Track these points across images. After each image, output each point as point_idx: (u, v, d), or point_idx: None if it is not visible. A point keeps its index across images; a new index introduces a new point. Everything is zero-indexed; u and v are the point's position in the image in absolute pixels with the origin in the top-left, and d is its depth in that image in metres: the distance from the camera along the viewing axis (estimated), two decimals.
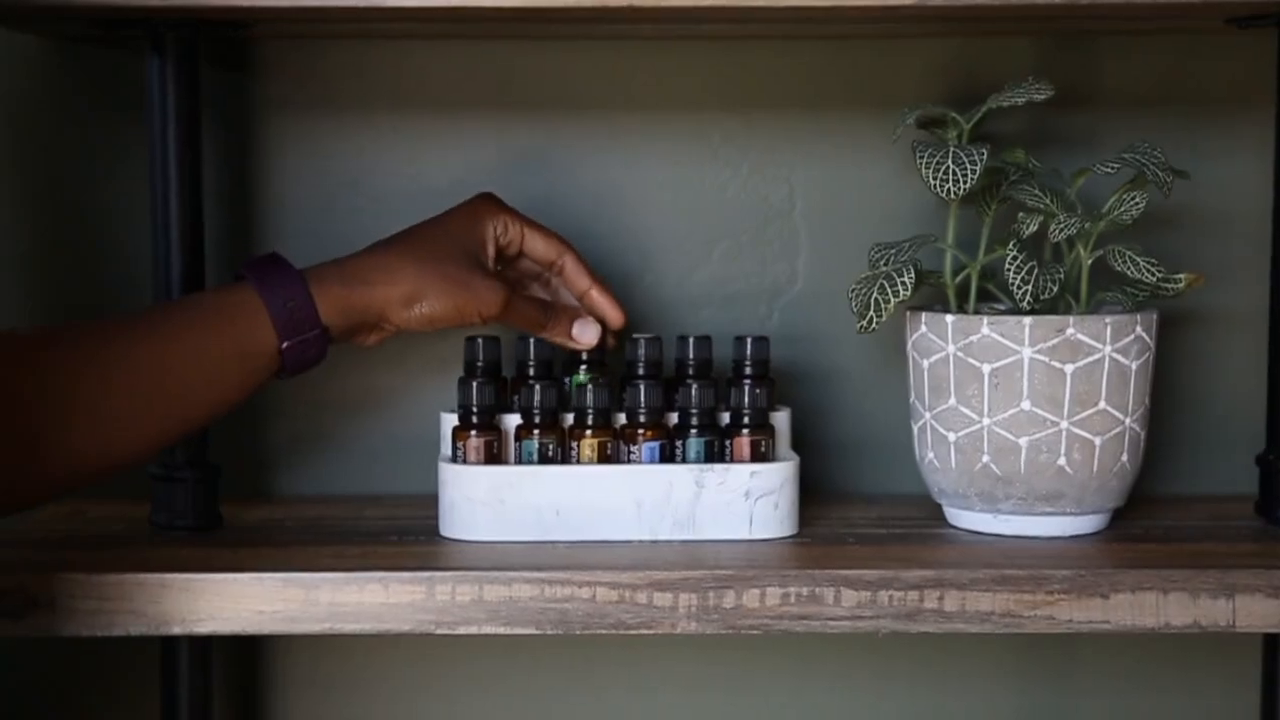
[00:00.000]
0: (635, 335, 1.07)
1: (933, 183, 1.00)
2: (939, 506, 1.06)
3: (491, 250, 1.01)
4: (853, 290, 1.02)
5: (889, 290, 1.00)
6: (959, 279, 1.04)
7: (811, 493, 1.09)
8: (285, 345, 0.93)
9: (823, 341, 1.16)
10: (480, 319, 1.00)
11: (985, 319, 1.00)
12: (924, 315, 1.03)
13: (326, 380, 1.13)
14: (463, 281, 0.98)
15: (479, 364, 1.06)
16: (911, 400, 1.05)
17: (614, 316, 1.05)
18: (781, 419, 1.06)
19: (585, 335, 1.04)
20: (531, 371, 1.07)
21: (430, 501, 1.03)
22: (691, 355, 1.07)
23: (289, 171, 1.15)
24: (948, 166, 1.00)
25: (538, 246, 1.04)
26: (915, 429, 1.05)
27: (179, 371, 0.91)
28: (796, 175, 1.16)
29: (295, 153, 1.14)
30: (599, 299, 1.05)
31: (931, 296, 1.07)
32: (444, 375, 1.12)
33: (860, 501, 1.13)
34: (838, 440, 1.17)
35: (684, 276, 1.16)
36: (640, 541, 1.00)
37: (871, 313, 1.00)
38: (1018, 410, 1.00)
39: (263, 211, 1.15)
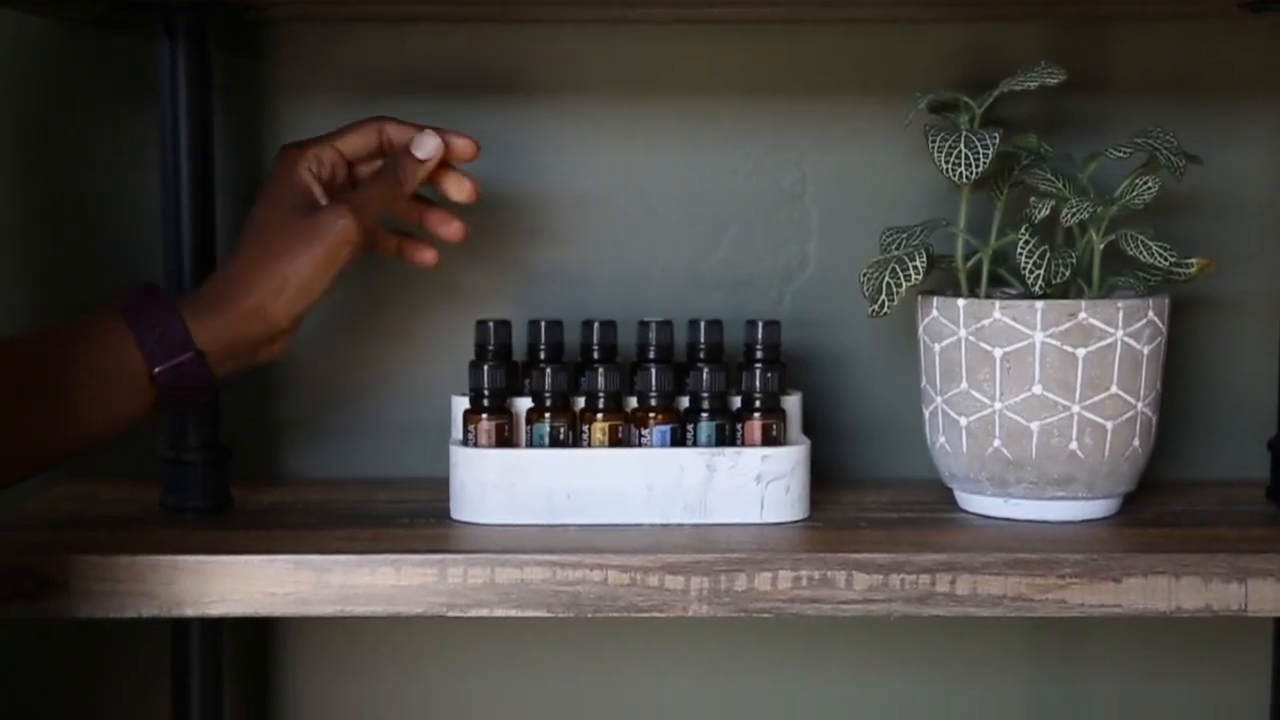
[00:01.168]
0: (646, 319, 1.07)
1: (945, 167, 1.00)
2: (950, 491, 1.06)
3: (317, 189, 0.97)
4: (864, 274, 1.02)
5: (901, 274, 1.00)
6: (971, 263, 1.04)
7: (822, 477, 1.09)
8: (157, 371, 0.90)
9: (834, 326, 1.16)
10: (354, 248, 0.95)
11: (997, 303, 0.99)
12: (935, 299, 1.02)
13: (337, 364, 1.14)
14: (306, 232, 0.94)
15: (490, 347, 1.06)
16: (922, 384, 1.05)
17: (459, 141, 1.00)
18: (792, 403, 1.06)
19: (424, 148, 0.99)
20: (543, 355, 1.07)
21: (441, 485, 1.03)
22: (703, 339, 1.07)
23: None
24: (960, 151, 1.00)
25: (356, 144, 1.00)
26: (926, 413, 1.05)
27: (44, 395, 0.88)
28: (807, 159, 1.16)
29: (305, 133, 1.11)
30: (449, 139, 1.00)
31: (943, 281, 1.07)
32: (455, 358, 1.12)
33: (871, 486, 1.13)
34: (849, 425, 1.17)
35: (695, 261, 1.16)
36: (651, 525, 1.00)
37: (883, 296, 1.00)
38: (1029, 394, 0.99)
39: None
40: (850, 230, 1.15)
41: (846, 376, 1.16)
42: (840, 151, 1.15)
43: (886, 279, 1.00)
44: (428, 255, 1.04)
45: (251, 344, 0.95)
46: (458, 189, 1.02)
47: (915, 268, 1.00)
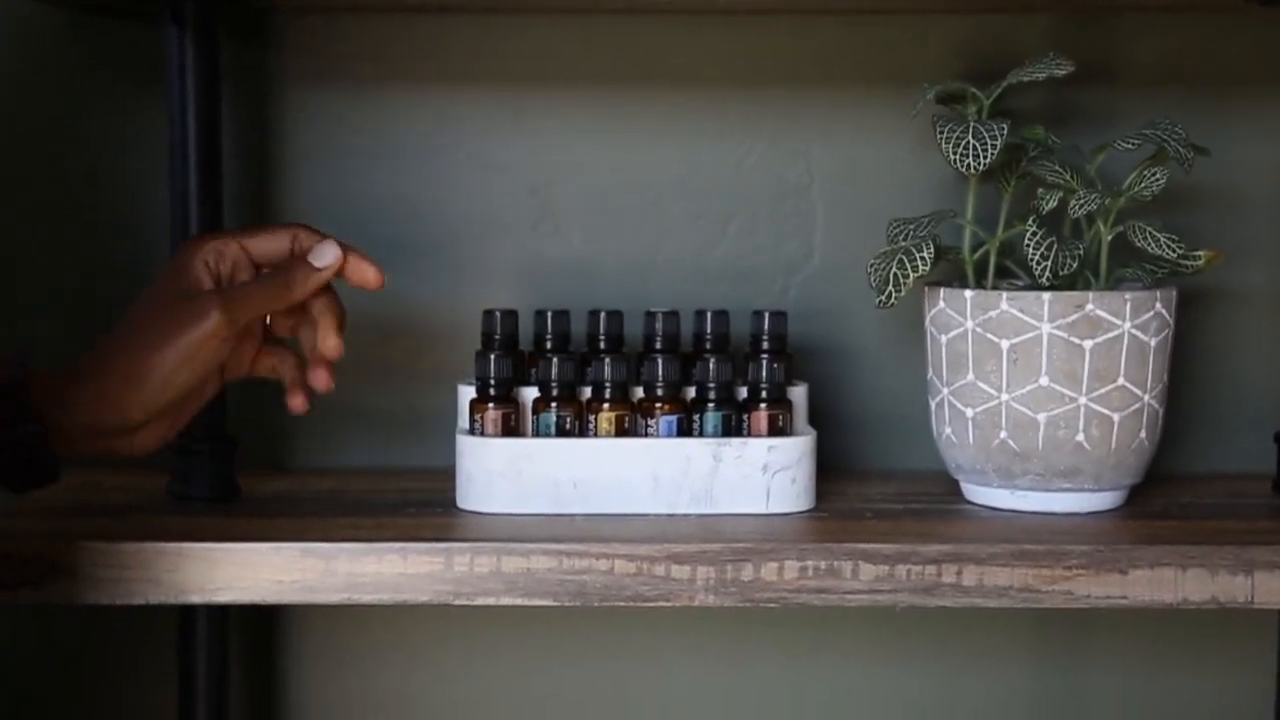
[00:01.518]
0: (652, 310, 1.07)
1: (952, 158, 1.00)
2: (956, 482, 1.06)
3: (208, 281, 0.91)
4: (871, 265, 1.02)
5: (908, 265, 1.00)
6: (978, 255, 1.04)
7: (828, 468, 1.09)
8: None
9: (840, 317, 1.16)
10: (221, 343, 0.89)
11: (1004, 294, 0.99)
12: (942, 291, 1.02)
13: (345, 353, 1.12)
14: (174, 320, 0.88)
15: (496, 337, 1.07)
16: (929, 376, 1.05)
17: (366, 269, 0.93)
18: (799, 394, 1.06)
19: (322, 257, 0.92)
20: (549, 344, 1.07)
21: (448, 474, 1.04)
22: (709, 330, 1.07)
23: (309, 146, 1.15)
24: (968, 141, 0.99)
25: (266, 246, 0.93)
26: (933, 404, 1.05)
27: None
28: (813, 151, 1.16)
29: (315, 126, 1.15)
30: (354, 259, 0.94)
31: (950, 273, 1.07)
32: (461, 348, 1.12)
33: (877, 477, 1.13)
34: (855, 416, 1.17)
35: (700, 252, 1.16)
36: (657, 515, 1.01)
37: (890, 287, 1.00)
38: (1036, 386, 0.99)
39: (281, 187, 1.15)
40: (856, 222, 1.15)
41: (852, 367, 1.17)
42: (846, 143, 1.15)
43: (893, 270, 1.00)
44: (297, 402, 0.96)
45: (102, 432, 0.89)
46: (359, 275, 0.94)
47: (923, 259, 1.00)
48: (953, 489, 1.06)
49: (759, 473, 1.01)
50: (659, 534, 0.96)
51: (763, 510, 1.01)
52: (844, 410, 1.17)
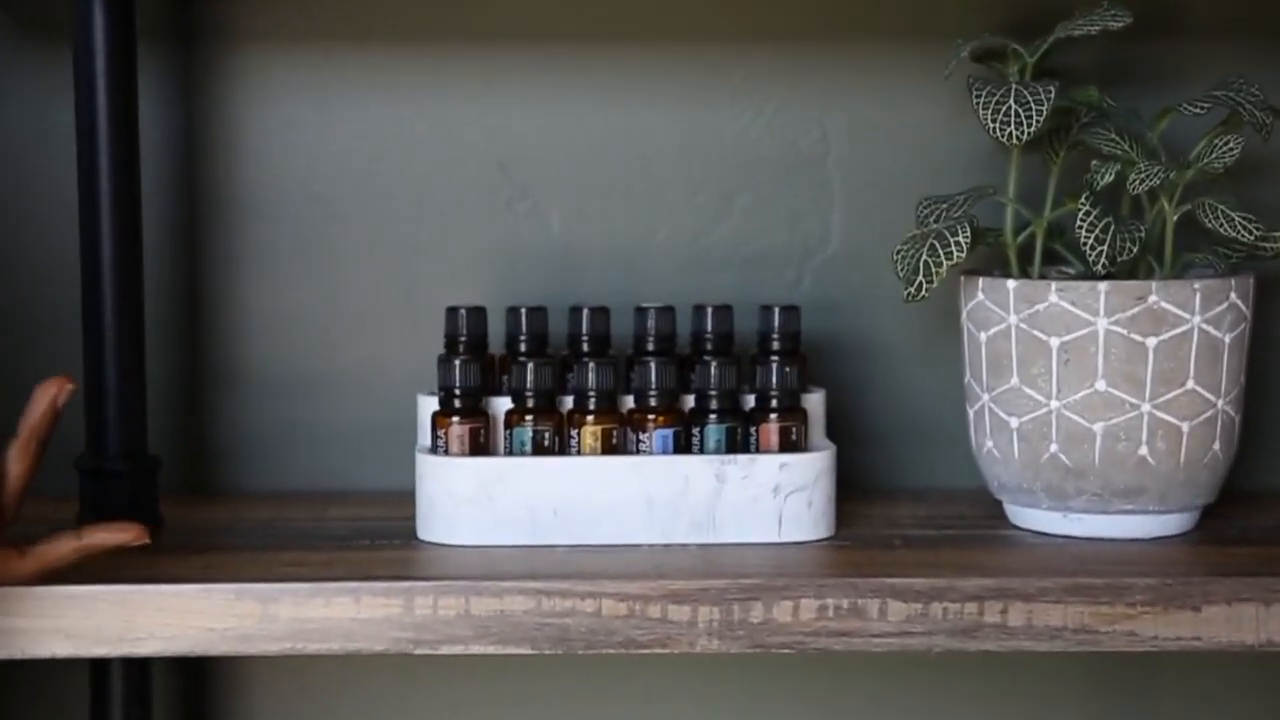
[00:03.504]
0: (644, 305, 1.07)
1: (992, 126, 0.99)
2: (998, 503, 1.06)
3: None
4: (898, 251, 1.02)
5: (941, 252, 1.00)
6: (1022, 238, 1.04)
7: (850, 487, 1.10)
8: None
9: (861, 310, 1.16)
10: None
11: (1054, 285, 0.99)
12: (981, 280, 1.02)
13: (283, 357, 1.15)
14: None
15: (462, 338, 1.06)
16: (966, 379, 1.05)
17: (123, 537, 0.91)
18: (815, 401, 1.06)
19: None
20: (524, 347, 1.07)
21: (406, 499, 1.04)
22: (710, 328, 1.07)
23: (241, 116, 1.15)
24: (1009, 107, 0.99)
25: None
26: (971, 413, 1.05)
27: None
28: (830, 116, 1.16)
29: (247, 90, 1.15)
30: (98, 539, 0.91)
31: (989, 259, 1.07)
32: (421, 351, 1.12)
33: (907, 497, 1.13)
34: (880, 426, 1.17)
35: (699, 235, 1.17)
36: (652, 546, 1.01)
37: (921, 278, 1.00)
38: (1091, 391, 0.99)
39: (209, 165, 1.15)
40: (880, 199, 1.15)
41: (877, 370, 1.17)
42: (868, 107, 1.15)
43: (924, 257, 1.00)
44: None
45: None
46: (110, 538, 0.92)
47: (958, 244, 1.00)
48: (995, 511, 1.07)
49: (769, 495, 1.01)
50: (654, 568, 0.96)
51: (774, 539, 1.01)
52: (867, 420, 1.17)
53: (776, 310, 1.07)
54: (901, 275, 1.01)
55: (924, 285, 1.00)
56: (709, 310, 1.07)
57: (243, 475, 1.17)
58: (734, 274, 1.16)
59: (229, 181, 1.16)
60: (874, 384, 1.17)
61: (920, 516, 1.08)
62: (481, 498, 1.00)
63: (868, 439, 1.17)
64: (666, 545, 1.01)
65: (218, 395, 1.17)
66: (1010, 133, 0.99)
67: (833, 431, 1.09)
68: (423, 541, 1.02)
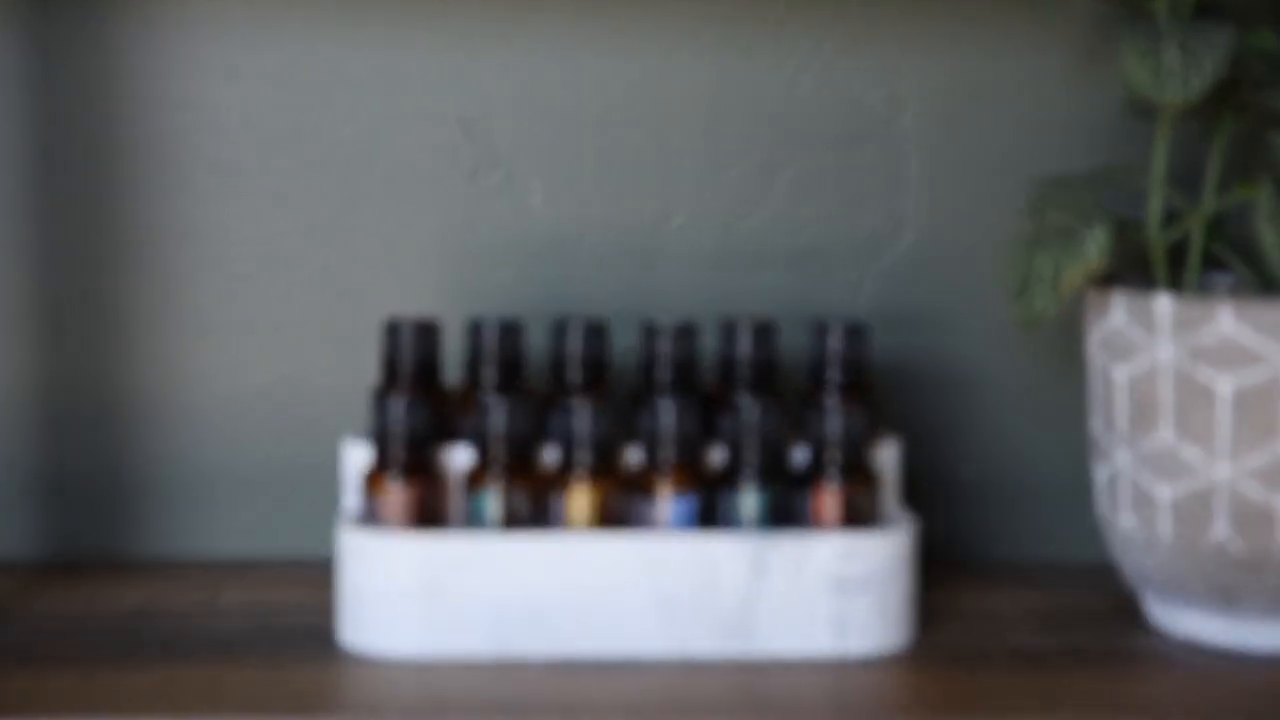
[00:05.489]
0: (654, 319, 1.04)
1: (1145, 81, 0.94)
2: (1137, 596, 1.03)
3: None
4: (1016, 255, 0.97)
5: (1066, 257, 0.95)
6: (1173, 236, 1.00)
7: (934, 569, 1.07)
8: None
9: (945, 327, 1.14)
10: None
11: (1226, 303, 0.93)
12: (1118, 294, 0.97)
13: (160, 382, 1.12)
14: None
15: (408, 365, 1.02)
16: (1094, 429, 1.01)
17: None
18: (888, 457, 1.03)
19: None
20: (491, 377, 1.03)
21: (324, 579, 1.01)
22: (744, 351, 1.03)
23: (152, 68, 1.12)
24: (1170, 56, 0.94)
25: None
26: (1101, 476, 1.01)
27: None
28: (904, 69, 1.13)
29: (159, 45, 1.12)
30: None
31: (1127, 263, 1.02)
32: (351, 379, 1.10)
33: (1010, 581, 1.10)
34: (973, 486, 1.15)
35: (731, 222, 1.13)
36: (667, 661, 0.95)
37: (1038, 291, 0.96)
38: (1276, 455, 0.92)
39: (120, 127, 1.12)
40: (970, 178, 1.13)
41: (969, 411, 1.15)
42: (953, 58, 1.13)
43: (1046, 263, 0.95)
44: None
45: None
46: None
47: (1094, 246, 0.95)
48: (1130, 605, 1.03)
49: (826, 590, 0.95)
50: (669, 694, 0.90)
51: (832, 651, 0.96)
52: (956, 478, 1.15)
53: (836, 328, 1.02)
54: (1011, 286, 0.97)
55: (1046, 303, 0.95)
56: (741, 327, 1.03)
57: (95, 540, 1.13)
58: (776, 275, 1.14)
59: (142, 148, 1.13)
60: (965, 428, 1.15)
61: (1030, 613, 1.03)
62: (430, 590, 0.95)
63: (955, 502, 1.15)
64: (685, 660, 0.95)
65: (70, 431, 1.14)
66: (1172, 91, 0.93)
67: (911, 495, 1.09)
68: (346, 649, 0.96)
